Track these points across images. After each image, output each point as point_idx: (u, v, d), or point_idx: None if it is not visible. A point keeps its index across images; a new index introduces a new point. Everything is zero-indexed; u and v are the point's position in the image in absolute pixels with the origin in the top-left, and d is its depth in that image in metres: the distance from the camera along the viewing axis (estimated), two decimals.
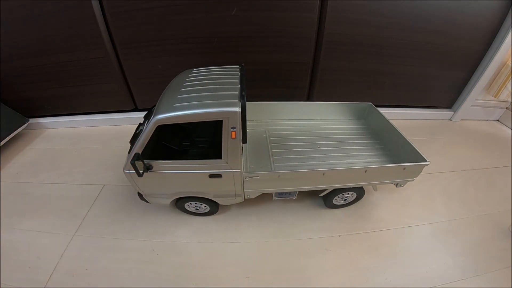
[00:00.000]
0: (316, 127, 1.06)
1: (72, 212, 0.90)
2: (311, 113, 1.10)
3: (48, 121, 1.38)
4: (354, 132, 1.04)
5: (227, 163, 0.69)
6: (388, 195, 0.99)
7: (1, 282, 0.69)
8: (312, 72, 1.30)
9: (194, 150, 0.86)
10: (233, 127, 0.63)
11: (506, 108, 1.53)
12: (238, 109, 0.61)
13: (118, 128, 1.38)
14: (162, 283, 0.70)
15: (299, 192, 0.83)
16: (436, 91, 1.45)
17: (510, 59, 1.29)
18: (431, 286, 0.71)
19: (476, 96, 1.44)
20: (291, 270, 0.74)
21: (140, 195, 0.79)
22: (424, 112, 1.53)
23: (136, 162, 0.63)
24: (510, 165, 1.19)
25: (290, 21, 1.11)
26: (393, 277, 0.73)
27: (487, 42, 1.27)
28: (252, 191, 0.79)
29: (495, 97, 1.40)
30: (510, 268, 0.76)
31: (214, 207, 0.84)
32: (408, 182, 0.84)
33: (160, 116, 0.62)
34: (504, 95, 1.37)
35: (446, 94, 1.48)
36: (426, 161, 0.76)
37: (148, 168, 0.68)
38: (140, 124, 0.77)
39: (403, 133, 0.88)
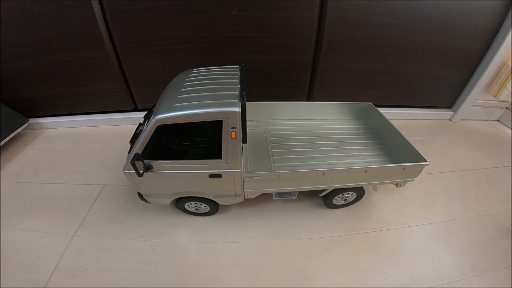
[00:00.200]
0: (316, 127, 1.06)
1: (72, 212, 0.90)
2: (311, 113, 1.10)
3: (48, 121, 1.38)
4: (354, 132, 1.04)
5: (227, 163, 0.69)
6: (388, 195, 0.99)
7: (1, 282, 0.69)
8: (312, 72, 1.30)
9: (194, 150, 0.86)
10: (233, 127, 0.63)
11: (506, 108, 1.53)
12: (238, 109, 0.61)
13: (118, 128, 1.38)
14: (162, 283, 0.70)
15: (299, 192, 0.83)
16: (436, 91, 1.45)
17: (510, 59, 1.29)
18: (431, 286, 0.71)
19: (476, 96, 1.44)
20: (291, 270, 0.74)
21: (140, 195, 0.79)
22: (424, 112, 1.53)
23: (136, 162, 0.63)
24: (510, 165, 1.19)
25: (290, 21, 1.11)
26: (393, 277, 0.73)
27: (487, 42, 1.27)
28: (252, 191, 0.79)
29: (495, 97, 1.40)
30: (510, 268, 0.76)
31: (214, 207, 0.84)
32: (408, 182, 0.84)
33: (160, 116, 0.62)
34: (504, 95, 1.37)
35: (446, 94, 1.48)
36: (426, 161, 0.76)
37: (148, 168, 0.68)
38: (140, 124, 0.77)
39: (403, 133, 0.88)
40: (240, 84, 0.71)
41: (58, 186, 1.01)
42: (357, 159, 0.90)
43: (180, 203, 0.83)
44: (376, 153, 0.93)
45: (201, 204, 0.83)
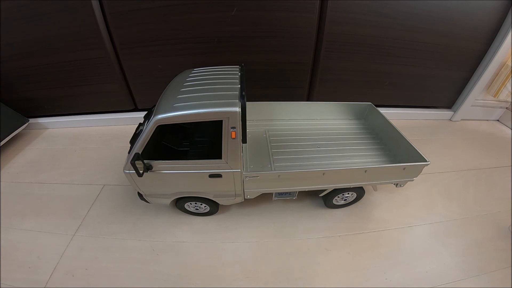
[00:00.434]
0: (316, 127, 1.06)
1: (72, 212, 0.90)
2: (311, 113, 1.10)
3: (48, 121, 1.38)
4: (354, 132, 1.04)
5: (227, 163, 0.69)
6: (388, 195, 0.99)
7: (1, 282, 0.69)
8: (312, 72, 1.30)
9: (194, 150, 0.86)
10: (233, 127, 0.63)
11: (506, 108, 1.53)
12: (238, 109, 0.61)
13: (118, 128, 1.38)
14: (162, 283, 0.70)
15: (299, 192, 0.83)
16: (436, 91, 1.45)
17: (510, 59, 1.29)
18: (431, 286, 0.71)
19: (476, 96, 1.44)
20: (291, 270, 0.74)
21: (140, 195, 0.79)
22: (424, 112, 1.53)
23: (136, 162, 0.63)
24: (510, 165, 1.19)
25: (290, 21, 1.11)
26: (393, 277, 0.73)
27: (487, 42, 1.27)
28: (252, 191, 0.79)
29: (495, 97, 1.40)
30: (510, 268, 0.76)
31: (214, 207, 0.84)
32: (408, 182, 0.84)
33: (160, 116, 0.62)
34: (504, 95, 1.37)
35: (446, 94, 1.48)
36: (426, 161, 0.76)
37: (148, 168, 0.68)
38: (140, 124, 0.77)
39: (403, 133, 0.88)
40: (240, 84, 0.71)
41: (58, 186, 1.01)
42: (357, 159, 0.90)
43: (180, 203, 0.83)
44: (376, 153, 0.94)
45: (201, 204, 0.83)
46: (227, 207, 0.92)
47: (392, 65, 1.30)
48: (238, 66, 0.83)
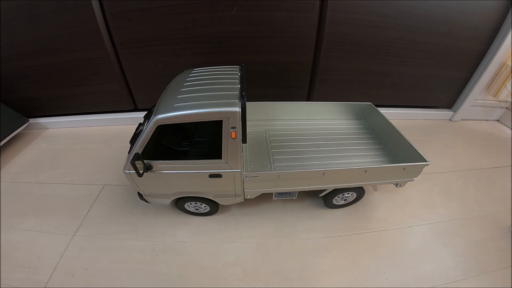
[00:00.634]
0: (316, 127, 1.06)
1: (72, 212, 0.90)
2: (311, 113, 1.10)
3: (48, 121, 1.38)
4: (354, 132, 1.04)
5: (227, 163, 0.69)
6: (388, 195, 0.99)
7: (1, 282, 0.69)
8: (312, 72, 1.30)
9: (194, 150, 0.86)
10: (233, 127, 0.63)
11: (506, 108, 1.53)
12: (238, 109, 0.61)
13: (118, 128, 1.38)
14: (162, 283, 0.70)
15: (299, 192, 0.83)
16: (436, 91, 1.45)
17: (510, 59, 1.29)
18: (431, 286, 0.71)
19: (476, 96, 1.44)
20: (291, 270, 0.74)
21: (140, 195, 0.79)
22: (424, 112, 1.53)
23: (136, 162, 0.63)
24: (510, 165, 1.19)
25: (290, 21, 1.11)
26: (393, 277, 0.73)
27: (487, 42, 1.27)
28: (252, 191, 0.79)
29: (495, 97, 1.40)
30: (510, 268, 0.76)
31: (214, 207, 0.84)
32: (408, 182, 0.84)
33: (160, 116, 0.62)
34: (504, 95, 1.37)
35: (446, 94, 1.48)
36: (426, 161, 0.76)
37: (148, 168, 0.68)
38: (140, 124, 0.77)
39: (403, 133, 0.88)
40: (240, 84, 0.71)
41: (58, 186, 1.01)
42: (357, 159, 0.90)
43: (180, 203, 0.83)
44: (376, 153, 0.93)
45: (201, 204, 0.83)
46: (227, 207, 0.92)
47: (392, 65, 1.30)
48: (238, 66, 0.83)
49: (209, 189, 0.76)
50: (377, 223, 0.88)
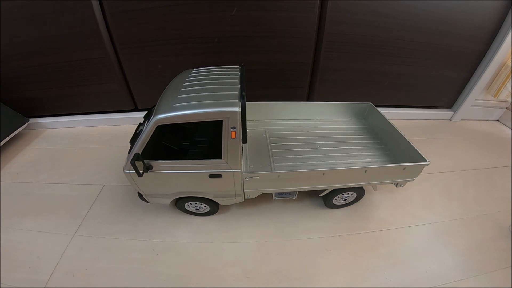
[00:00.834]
0: (316, 127, 1.06)
1: (72, 212, 0.90)
2: (311, 113, 1.10)
3: (48, 121, 1.38)
4: (354, 132, 1.04)
5: (227, 163, 0.69)
6: (388, 195, 0.99)
7: (1, 282, 0.69)
8: (312, 72, 1.30)
9: (194, 150, 0.86)
10: (233, 127, 0.63)
11: (506, 108, 1.53)
12: (238, 109, 0.61)
13: (118, 128, 1.38)
14: (162, 283, 0.70)
15: (299, 192, 0.83)
16: (436, 91, 1.45)
17: (510, 59, 1.29)
18: (431, 286, 0.71)
19: (476, 96, 1.44)
20: (291, 270, 0.74)
21: (140, 195, 0.79)
22: (424, 112, 1.53)
23: (136, 162, 0.63)
24: (510, 165, 1.19)
25: (290, 21, 1.11)
26: (393, 277, 0.73)
27: (487, 42, 1.27)
28: (252, 191, 0.79)
29: (495, 97, 1.40)
30: (510, 268, 0.76)
31: (214, 207, 0.84)
32: (408, 182, 0.84)
33: (160, 116, 0.62)
34: (504, 95, 1.37)
35: (446, 94, 1.48)
36: (426, 161, 0.76)
37: (148, 168, 0.68)
38: (140, 124, 0.77)
39: (403, 133, 0.88)
40: (240, 84, 0.71)
41: (58, 186, 1.01)
42: (357, 159, 0.90)
43: (180, 203, 0.83)
44: (376, 153, 0.93)
45: (201, 204, 0.83)
46: (227, 207, 0.92)
47: (392, 65, 1.30)
48: (238, 66, 0.83)
49: (209, 189, 0.76)
50: (377, 223, 0.88)
